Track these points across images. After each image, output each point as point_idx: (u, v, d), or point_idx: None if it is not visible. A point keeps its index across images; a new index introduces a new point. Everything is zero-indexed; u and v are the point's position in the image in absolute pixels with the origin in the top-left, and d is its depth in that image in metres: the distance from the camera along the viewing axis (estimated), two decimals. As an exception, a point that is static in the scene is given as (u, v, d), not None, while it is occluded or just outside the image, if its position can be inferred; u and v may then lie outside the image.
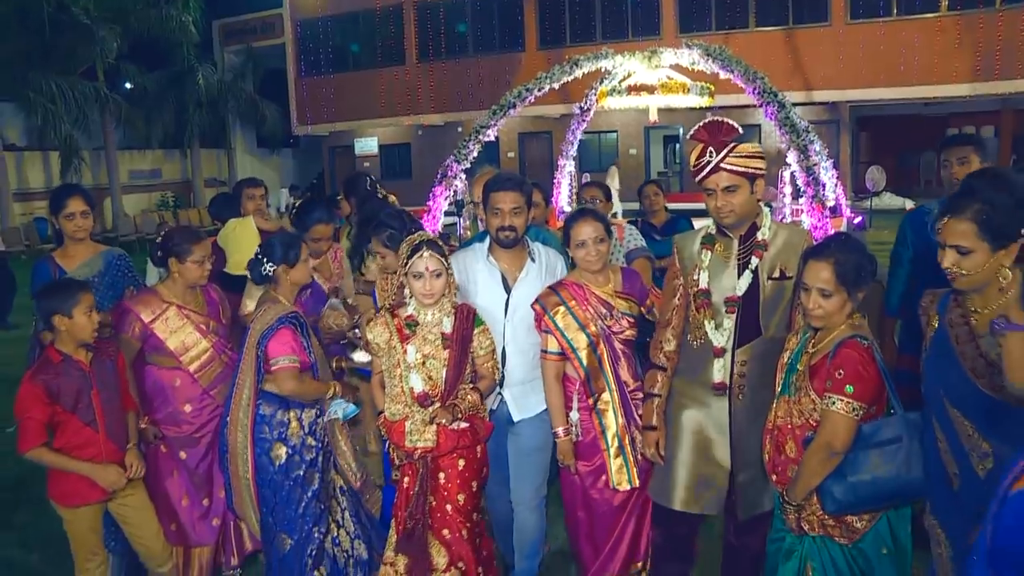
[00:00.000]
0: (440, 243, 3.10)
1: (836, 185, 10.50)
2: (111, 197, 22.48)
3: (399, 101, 23.35)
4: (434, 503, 3.08)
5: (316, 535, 3.32)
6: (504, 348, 3.32)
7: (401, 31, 23.36)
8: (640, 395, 3.18)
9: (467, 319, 3.13)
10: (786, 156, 9.66)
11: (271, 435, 3.27)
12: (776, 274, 2.88)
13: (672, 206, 6.24)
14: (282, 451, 3.28)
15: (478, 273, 3.36)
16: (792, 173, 9.71)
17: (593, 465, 3.24)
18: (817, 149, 10.19)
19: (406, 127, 24.57)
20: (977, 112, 20.59)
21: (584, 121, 13.52)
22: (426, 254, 3.01)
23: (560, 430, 3.24)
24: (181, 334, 3.49)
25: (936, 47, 17.30)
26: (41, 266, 3.81)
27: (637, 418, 3.17)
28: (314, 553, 3.33)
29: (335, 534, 3.43)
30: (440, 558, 3.08)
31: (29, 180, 21.69)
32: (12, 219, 19.39)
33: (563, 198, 12.41)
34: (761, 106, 9.94)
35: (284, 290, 3.37)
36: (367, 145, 25.76)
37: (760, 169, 2.81)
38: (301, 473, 3.30)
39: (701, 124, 2.87)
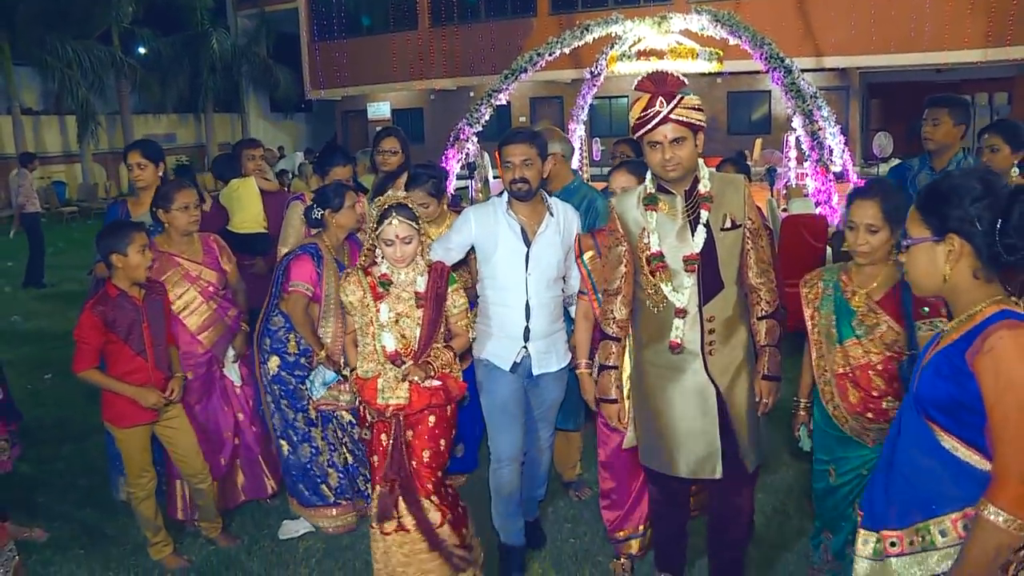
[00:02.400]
0: (410, 207, 3.09)
1: (844, 151, 10.68)
2: (125, 160, 22.76)
3: (412, 66, 23.44)
4: (397, 461, 3.10)
5: (310, 449, 3.73)
6: (528, 302, 3.32)
7: (414, -5, 23.43)
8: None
9: (441, 277, 3.14)
10: (791, 121, 9.84)
11: (269, 347, 3.78)
12: (727, 224, 2.84)
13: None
14: (274, 363, 3.77)
15: (498, 226, 3.33)
16: (797, 138, 9.90)
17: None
18: (824, 115, 10.37)
19: (419, 92, 24.69)
20: (990, 78, 20.51)
21: (595, 86, 13.70)
22: (395, 220, 3.00)
23: (582, 363, 3.37)
24: (172, 280, 3.76)
25: (948, 13, 17.24)
26: (113, 208, 4.27)
27: None
28: (311, 467, 3.78)
29: (334, 458, 3.83)
30: (434, 513, 3.10)
31: (46, 144, 21.96)
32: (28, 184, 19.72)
33: (573, 162, 12.60)
34: (768, 72, 10.11)
35: (330, 233, 3.75)
36: (380, 110, 25.89)
37: (703, 122, 2.76)
38: (291, 388, 3.76)
39: (646, 75, 2.82)
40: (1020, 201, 1.75)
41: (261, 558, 3.70)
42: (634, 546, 3.52)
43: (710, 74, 15.28)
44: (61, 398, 5.80)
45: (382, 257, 3.11)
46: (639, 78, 2.83)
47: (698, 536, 3.37)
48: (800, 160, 10.39)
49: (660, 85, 2.74)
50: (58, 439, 5.00)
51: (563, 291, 3.47)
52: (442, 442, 3.16)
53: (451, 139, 11.86)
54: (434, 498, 3.12)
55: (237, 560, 3.68)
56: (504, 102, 12.08)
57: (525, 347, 3.35)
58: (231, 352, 3.95)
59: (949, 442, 1.80)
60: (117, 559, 3.71)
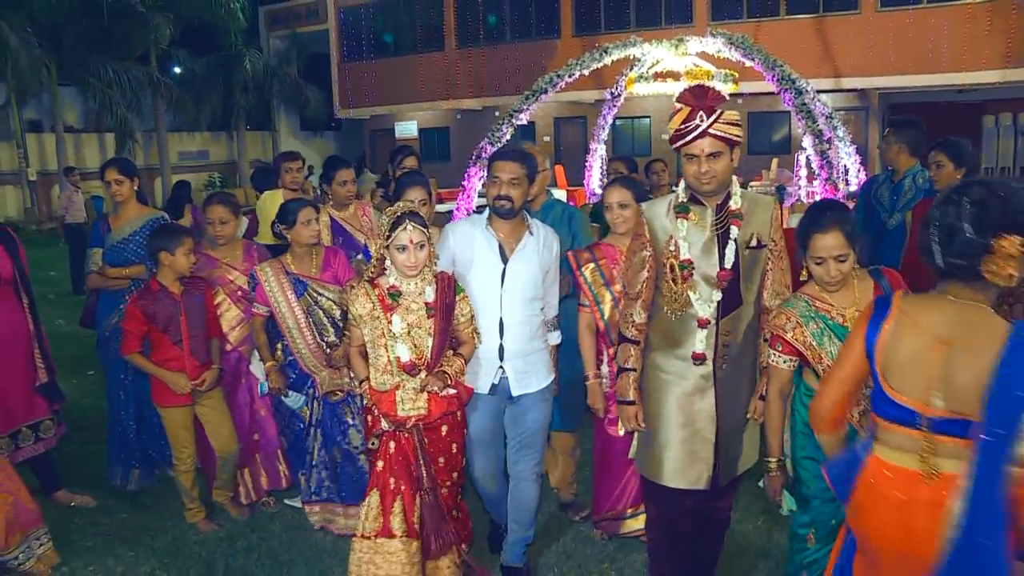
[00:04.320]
0: (421, 215, 3.17)
1: (859, 170, 10.91)
2: (161, 177, 23.47)
3: (438, 86, 23.92)
4: (426, 470, 3.14)
5: (308, 439, 3.99)
6: (501, 319, 3.32)
7: (440, 18, 23.94)
8: None
9: (448, 287, 3.16)
10: (801, 141, 10.14)
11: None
12: (754, 243, 2.88)
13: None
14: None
15: (476, 240, 3.35)
16: (807, 157, 10.19)
17: (612, 413, 3.53)
18: (840, 135, 10.64)
19: (445, 111, 25.15)
20: (1013, 98, 20.57)
21: (615, 106, 14.01)
22: (409, 226, 3.02)
23: (590, 374, 3.56)
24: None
25: (965, 34, 17.39)
26: (96, 226, 4.64)
27: None
28: (311, 448, 4.02)
29: (321, 464, 4.01)
30: (398, 523, 3.07)
31: (86, 160, 22.68)
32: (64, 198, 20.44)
33: (594, 181, 12.91)
34: (779, 93, 10.42)
35: (292, 247, 3.94)
36: (407, 128, 26.40)
37: (739, 137, 2.79)
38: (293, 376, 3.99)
39: (687, 88, 2.85)
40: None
41: (283, 522, 4.17)
42: (625, 525, 3.77)
43: (730, 95, 15.58)
44: (103, 391, 6.20)
45: (391, 267, 3.12)
46: (681, 91, 2.87)
47: None
48: (811, 179, 10.66)
49: (701, 99, 2.77)
50: (99, 424, 5.38)
51: (542, 312, 3.46)
52: (454, 446, 3.23)
53: (473, 158, 12.26)
54: (442, 492, 3.19)
55: (260, 524, 4.15)
56: (525, 122, 12.44)
57: (502, 367, 3.34)
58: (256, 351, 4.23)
59: None
60: (157, 523, 4.19)
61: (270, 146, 28.30)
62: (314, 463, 4.02)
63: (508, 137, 12.09)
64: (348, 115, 26.50)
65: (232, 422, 4.10)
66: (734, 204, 2.87)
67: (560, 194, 16.04)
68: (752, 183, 17.84)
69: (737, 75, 12.43)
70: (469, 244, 3.35)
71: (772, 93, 10.85)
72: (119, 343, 4.14)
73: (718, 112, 2.73)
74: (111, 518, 4.25)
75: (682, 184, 2.94)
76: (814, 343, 2.73)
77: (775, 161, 16.73)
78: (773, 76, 10.35)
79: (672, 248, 2.87)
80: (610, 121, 14.35)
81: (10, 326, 4.01)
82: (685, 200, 2.90)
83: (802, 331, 2.75)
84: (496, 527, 3.78)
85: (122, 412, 4.55)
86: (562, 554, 3.81)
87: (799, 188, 11.53)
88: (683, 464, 2.94)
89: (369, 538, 3.07)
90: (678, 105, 2.80)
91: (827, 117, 10.40)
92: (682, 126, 2.76)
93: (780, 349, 2.80)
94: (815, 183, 10.21)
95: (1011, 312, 3.13)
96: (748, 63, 10.97)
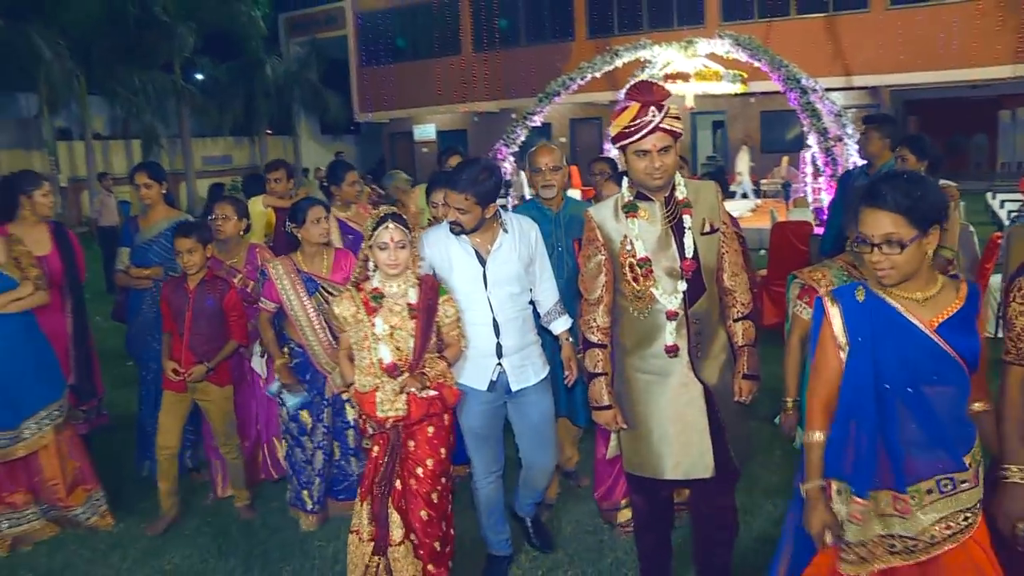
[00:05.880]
0: (404, 216, 3.17)
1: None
2: (186, 181, 24.01)
3: (455, 89, 24.28)
4: (401, 472, 3.16)
5: (302, 455, 4.09)
6: (494, 319, 3.31)
7: (457, 22, 24.33)
8: None
9: (432, 289, 3.17)
10: (806, 138, 10.44)
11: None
12: (707, 228, 2.90)
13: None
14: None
15: (451, 248, 3.32)
16: (812, 154, 10.49)
17: None
18: (849, 132, 10.91)
19: (462, 114, 25.47)
20: (1027, 93, 20.63)
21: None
22: (391, 226, 3.06)
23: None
24: None
25: (976, 30, 17.51)
26: (126, 225, 4.89)
27: None
28: (301, 472, 4.10)
29: (322, 467, 4.09)
30: (396, 530, 3.12)
31: (113, 166, 23.22)
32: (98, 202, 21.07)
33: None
34: (785, 92, 10.72)
35: (302, 246, 4.03)
36: (425, 131, 26.70)
37: (682, 130, 2.84)
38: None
39: (632, 85, 2.86)
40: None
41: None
42: (624, 515, 3.80)
43: (743, 94, 15.85)
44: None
45: (375, 269, 3.16)
46: (627, 87, 2.92)
47: (684, 543, 3.48)
48: (816, 175, 10.95)
49: (649, 95, 2.75)
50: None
51: (532, 305, 3.47)
52: (442, 451, 3.23)
53: (489, 158, 12.62)
54: (427, 511, 3.19)
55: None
56: (539, 123, 12.80)
57: (500, 364, 3.34)
58: (257, 347, 4.37)
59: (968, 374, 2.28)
60: (200, 497, 4.50)
61: (291, 150, 28.73)
62: (317, 471, 4.08)
63: (523, 139, 12.46)
64: (367, 119, 26.90)
65: (232, 421, 4.23)
66: (680, 194, 2.88)
67: (575, 194, 16.39)
68: (763, 181, 18.15)
69: (746, 75, 12.72)
70: (444, 252, 3.33)
71: (780, 92, 11.13)
72: (143, 338, 4.51)
73: (667, 107, 2.75)
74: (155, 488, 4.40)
75: (625, 182, 2.94)
76: None
77: (785, 159, 17.00)
78: (779, 76, 10.65)
79: (628, 248, 2.87)
80: (623, 122, 14.61)
81: (49, 326, 4.26)
82: (632, 198, 2.90)
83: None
84: (493, 561, 3.64)
85: (142, 405, 4.79)
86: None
87: (804, 185, 11.83)
88: (682, 457, 2.91)
89: (370, 542, 3.15)
90: (625, 103, 2.78)
91: (836, 115, 10.67)
92: (633, 123, 2.73)
93: (806, 301, 3.02)
94: (820, 180, 10.50)
95: None
96: (756, 64, 11.29)
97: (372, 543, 3.12)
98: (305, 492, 4.09)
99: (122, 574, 3.83)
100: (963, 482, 2.26)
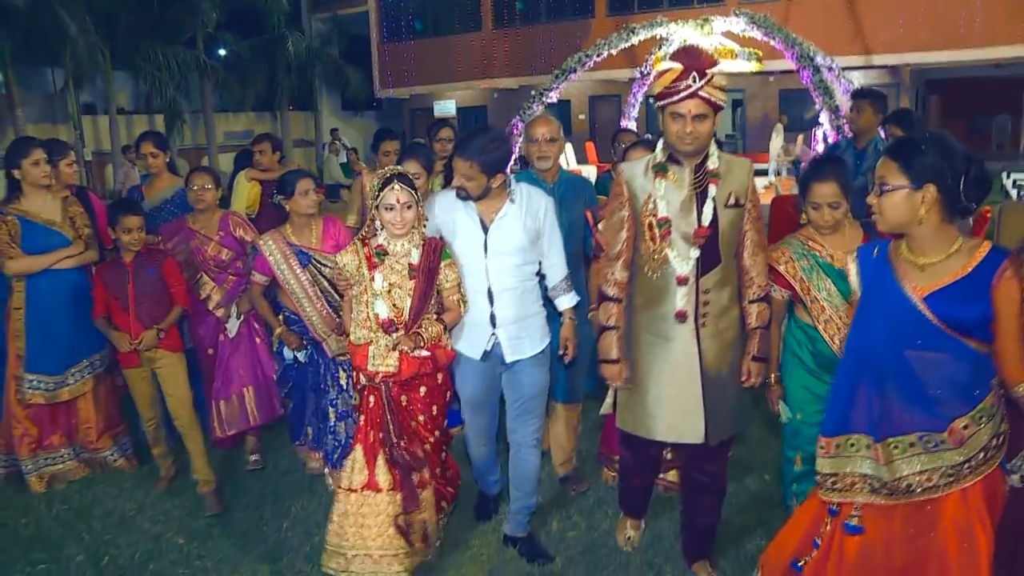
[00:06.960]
0: (410, 177, 3.21)
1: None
2: (208, 156, 24.27)
3: (475, 66, 24.33)
4: (393, 425, 3.21)
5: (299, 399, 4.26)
6: (489, 288, 3.32)
7: (477, -1, 24.44)
8: None
9: (435, 252, 3.20)
10: (818, 116, 10.53)
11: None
12: (731, 202, 2.92)
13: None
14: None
15: (456, 213, 3.34)
16: (824, 132, 10.58)
17: None
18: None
19: (482, 90, 25.51)
20: (1054, 72, 20.37)
21: (645, 84, 14.42)
22: (397, 187, 3.10)
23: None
24: (183, 252, 4.40)
25: (998, 9, 17.30)
26: (131, 193, 5.15)
27: None
28: (299, 414, 4.29)
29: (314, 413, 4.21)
30: (383, 476, 3.17)
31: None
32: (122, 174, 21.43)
33: (627, 157, 13.33)
34: (798, 71, 10.80)
35: (291, 217, 4.05)
36: (446, 107, 26.73)
37: (724, 102, 2.84)
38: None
39: (681, 47, 2.93)
40: (975, 160, 2.26)
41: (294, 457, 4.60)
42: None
43: (762, 72, 15.86)
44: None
45: (381, 228, 3.20)
46: (674, 50, 2.97)
47: (673, 511, 3.69)
48: (828, 152, 11.06)
49: (695, 60, 2.78)
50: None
51: (537, 276, 3.46)
52: (434, 408, 3.32)
53: (507, 134, 12.77)
54: (425, 448, 3.29)
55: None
56: (555, 100, 12.91)
57: (494, 333, 3.35)
58: (234, 309, 4.47)
59: (974, 345, 2.29)
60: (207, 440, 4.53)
61: (312, 126, 28.80)
62: (312, 412, 4.21)
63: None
64: (388, 95, 26.95)
65: (186, 388, 4.24)
66: (711, 164, 2.91)
67: (591, 170, 16.52)
68: (776, 158, 18.13)
69: (761, 54, 12.76)
70: (450, 215, 3.36)
71: (797, 70, 11.18)
72: None
73: (709, 75, 2.76)
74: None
75: (660, 143, 2.98)
76: (804, 276, 3.12)
77: (800, 137, 16.99)
78: (792, 54, 10.73)
79: (651, 207, 2.93)
80: (640, 99, 14.73)
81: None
82: (663, 160, 2.94)
83: (793, 265, 3.14)
84: (484, 498, 3.87)
85: None
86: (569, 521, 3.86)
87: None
88: (676, 420, 3.00)
89: (355, 491, 3.18)
90: (669, 64, 2.82)
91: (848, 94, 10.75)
92: (672, 85, 2.78)
93: (773, 280, 3.18)
94: (832, 157, 10.60)
95: None
96: (771, 42, 11.35)
97: (370, 490, 3.17)
98: (309, 428, 4.27)
99: (146, 508, 4.20)
100: (942, 442, 2.36)
